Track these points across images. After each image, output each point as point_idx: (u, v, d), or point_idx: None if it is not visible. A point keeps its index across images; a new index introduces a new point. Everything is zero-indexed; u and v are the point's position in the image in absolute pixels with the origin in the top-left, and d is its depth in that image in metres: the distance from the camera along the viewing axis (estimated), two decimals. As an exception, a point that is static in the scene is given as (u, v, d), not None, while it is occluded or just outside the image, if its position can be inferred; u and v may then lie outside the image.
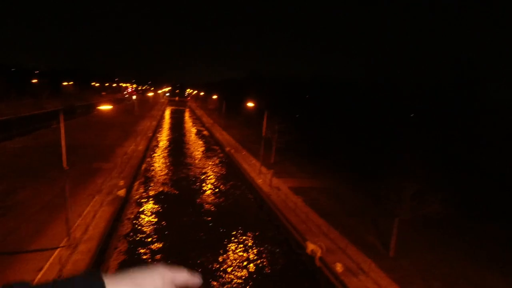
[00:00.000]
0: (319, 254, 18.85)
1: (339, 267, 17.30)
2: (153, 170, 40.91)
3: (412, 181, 18.25)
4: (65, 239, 17.50)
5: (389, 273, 17.44)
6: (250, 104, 48.30)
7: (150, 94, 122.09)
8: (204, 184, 36.92)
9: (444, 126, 40.69)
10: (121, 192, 25.81)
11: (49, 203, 22.28)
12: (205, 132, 78.84)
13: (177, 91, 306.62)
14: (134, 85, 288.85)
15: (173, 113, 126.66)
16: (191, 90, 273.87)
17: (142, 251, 20.94)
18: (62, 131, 16.46)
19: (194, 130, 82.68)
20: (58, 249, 16.71)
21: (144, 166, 41.42)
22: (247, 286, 18.28)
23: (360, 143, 46.33)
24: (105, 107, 25.43)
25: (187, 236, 23.71)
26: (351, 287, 15.99)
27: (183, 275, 0.99)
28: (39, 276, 14.45)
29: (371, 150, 41.74)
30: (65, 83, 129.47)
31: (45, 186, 25.38)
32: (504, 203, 27.00)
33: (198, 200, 31.56)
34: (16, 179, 26.65)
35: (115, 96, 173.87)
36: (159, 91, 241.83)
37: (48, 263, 15.48)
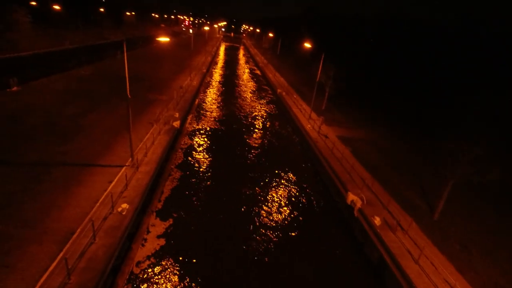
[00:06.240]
0: (358, 205, 19.03)
1: (377, 221, 17.43)
2: (206, 105, 42.65)
3: (473, 145, 16.60)
4: (129, 160, 19.93)
5: (428, 234, 17.20)
6: (307, 45, 45.42)
7: (206, 28, 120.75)
8: (253, 123, 37.78)
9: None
10: (176, 123, 27.71)
11: (113, 127, 25.00)
12: (258, 72, 77.72)
13: (233, 26, 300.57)
14: (191, 18, 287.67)
15: (227, 50, 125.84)
16: (247, 26, 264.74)
17: (192, 180, 23.14)
18: (126, 63, 17.48)
19: (247, 68, 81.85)
20: (124, 167, 19.22)
21: (197, 101, 43.25)
22: (283, 223, 19.60)
23: (425, 97, 42.06)
24: (163, 39, 26.40)
25: (233, 170, 25.36)
26: (386, 240, 16.22)
27: None
28: (110, 187, 17.04)
29: (433, 105, 37.88)
30: (127, 13, 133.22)
31: (108, 111, 28.23)
32: None
33: (246, 137, 32.79)
34: (85, 102, 29.93)
35: (172, 28, 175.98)
36: (215, 25, 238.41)
37: (116, 178, 18.03)
